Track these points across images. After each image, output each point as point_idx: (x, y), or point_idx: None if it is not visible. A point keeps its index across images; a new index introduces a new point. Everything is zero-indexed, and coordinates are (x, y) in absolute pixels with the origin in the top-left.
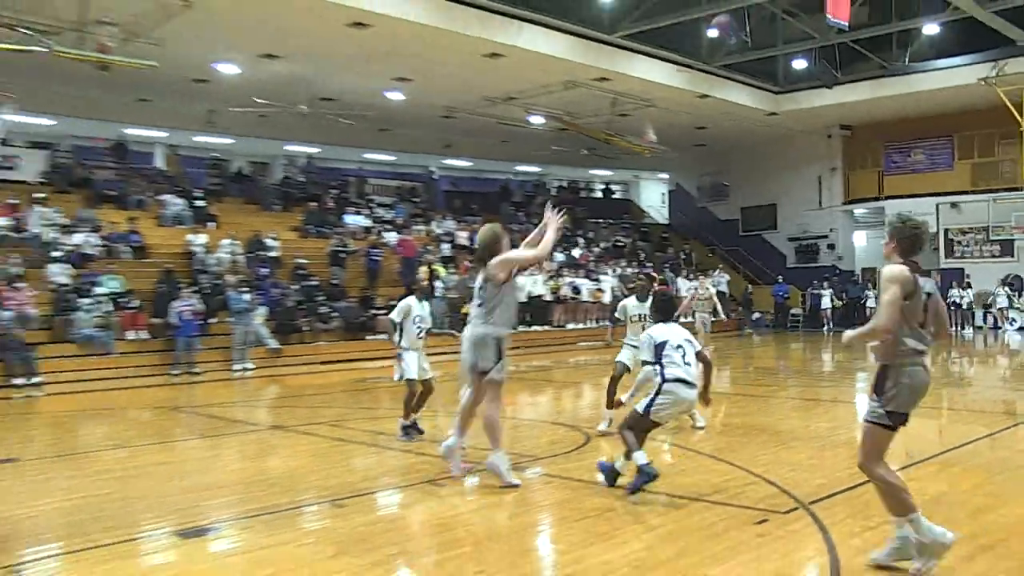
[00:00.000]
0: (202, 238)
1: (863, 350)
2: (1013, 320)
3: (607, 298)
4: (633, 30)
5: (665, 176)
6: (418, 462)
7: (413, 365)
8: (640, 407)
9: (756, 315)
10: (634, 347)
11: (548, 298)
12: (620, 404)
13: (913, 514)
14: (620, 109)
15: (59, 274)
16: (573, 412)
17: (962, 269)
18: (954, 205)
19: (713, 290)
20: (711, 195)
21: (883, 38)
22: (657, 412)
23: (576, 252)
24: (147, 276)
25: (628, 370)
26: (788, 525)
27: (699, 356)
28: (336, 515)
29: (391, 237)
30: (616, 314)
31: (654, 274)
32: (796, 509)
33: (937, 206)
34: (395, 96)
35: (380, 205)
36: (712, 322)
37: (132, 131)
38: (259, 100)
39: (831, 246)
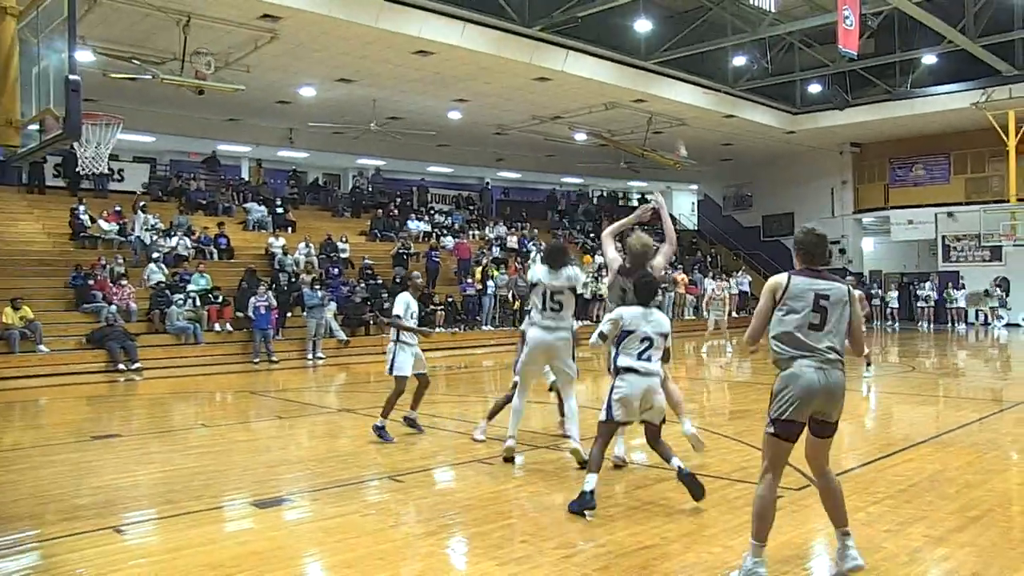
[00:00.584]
0: (281, 241)
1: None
2: (1001, 317)
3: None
4: (666, 57)
5: (694, 187)
6: (468, 443)
7: (407, 362)
8: (601, 415)
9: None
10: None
11: (587, 296)
12: None
13: (759, 545)
14: (655, 127)
15: (156, 272)
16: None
17: (957, 272)
18: (950, 215)
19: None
20: (735, 204)
21: (888, 66)
22: (615, 411)
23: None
24: (233, 275)
25: None
26: (800, 500)
27: (665, 358)
28: (395, 489)
29: (448, 241)
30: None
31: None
32: (807, 487)
33: (936, 215)
34: (454, 115)
35: (439, 212)
36: (732, 318)
37: (222, 147)
38: (333, 121)
39: (842, 251)
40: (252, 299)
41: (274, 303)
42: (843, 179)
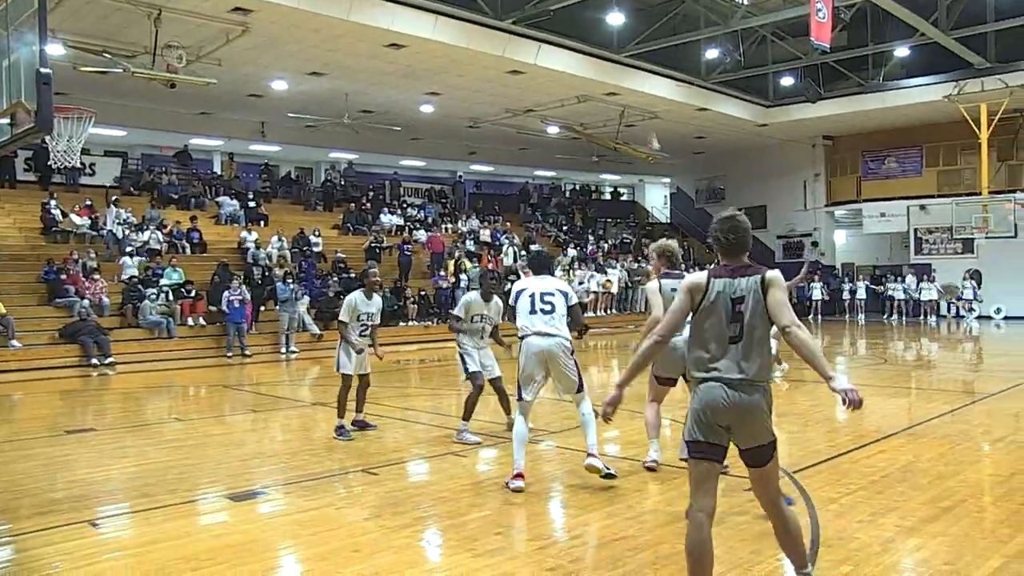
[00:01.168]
0: (253, 235)
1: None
2: (972, 309)
3: (615, 288)
4: (639, 50)
5: (667, 180)
6: (443, 435)
7: (350, 361)
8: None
9: None
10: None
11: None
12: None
13: None
14: (627, 120)
15: (132, 267)
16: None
17: (929, 264)
18: (923, 207)
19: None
20: (708, 197)
21: (860, 59)
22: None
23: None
24: (205, 269)
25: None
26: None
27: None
28: (370, 482)
29: (421, 235)
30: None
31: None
32: (781, 478)
33: (908, 208)
34: (426, 108)
35: (412, 206)
36: None
37: (194, 140)
38: (306, 113)
39: (815, 243)
40: (225, 293)
41: (247, 297)
42: (815, 172)
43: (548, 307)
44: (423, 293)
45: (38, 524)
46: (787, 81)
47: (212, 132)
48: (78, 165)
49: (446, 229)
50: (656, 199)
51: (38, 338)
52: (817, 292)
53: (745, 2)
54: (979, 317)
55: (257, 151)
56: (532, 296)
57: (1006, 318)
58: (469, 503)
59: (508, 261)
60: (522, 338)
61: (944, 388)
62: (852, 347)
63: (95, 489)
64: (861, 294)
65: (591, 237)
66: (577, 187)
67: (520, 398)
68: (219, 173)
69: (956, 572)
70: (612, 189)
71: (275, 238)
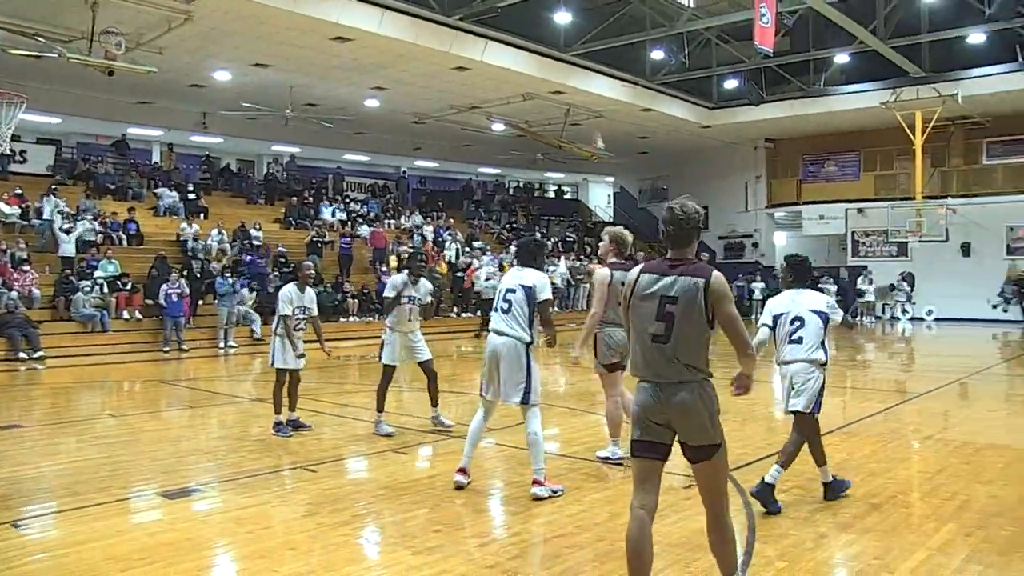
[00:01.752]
0: (193, 228)
1: None
2: (905, 311)
3: (558, 282)
4: (586, 49)
5: (611, 179)
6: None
7: (284, 356)
8: None
9: None
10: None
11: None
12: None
13: None
14: (572, 119)
15: (66, 243)
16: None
17: (865, 266)
18: (860, 211)
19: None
20: (651, 197)
21: (802, 64)
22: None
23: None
24: (142, 261)
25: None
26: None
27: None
28: (308, 479)
29: (364, 230)
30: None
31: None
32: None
33: (846, 211)
34: (371, 103)
35: (355, 200)
36: None
37: (132, 130)
38: (248, 104)
39: (755, 244)
40: (164, 286)
41: (186, 291)
42: (757, 174)
43: (506, 305)
44: (365, 290)
45: None
46: (731, 84)
47: (151, 122)
48: (7, 152)
49: (389, 225)
50: (600, 198)
51: None
52: (758, 292)
53: (691, 5)
54: (912, 319)
55: (198, 142)
56: (499, 291)
57: (937, 319)
58: (408, 500)
59: (451, 257)
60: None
61: (878, 388)
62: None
63: (20, 488)
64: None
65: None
66: (521, 185)
67: (480, 394)
68: (158, 164)
69: (884, 566)
70: (556, 187)
71: (215, 231)
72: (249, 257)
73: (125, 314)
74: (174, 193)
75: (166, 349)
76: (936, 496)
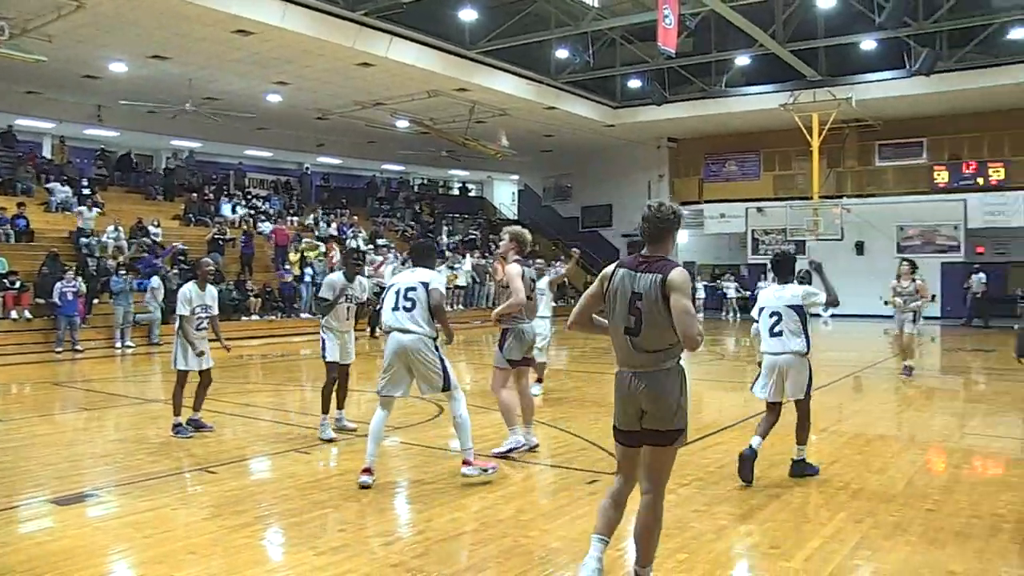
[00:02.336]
0: (87, 224)
1: None
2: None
3: (461, 281)
4: (490, 47)
5: (515, 177)
6: (286, 432)
7: (185, 357)
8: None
9: None
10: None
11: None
12: None
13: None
14: (477, 116)
15: None
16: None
17: (765, 264)
18: (760, 210)
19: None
20: (555, 195)
21: (704, 65)
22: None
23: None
24: (33, 258)
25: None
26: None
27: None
28: (209, 480)
29: (266, 227)
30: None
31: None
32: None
33: (746, 210)
34: (274, 98)
35: (257, 197)
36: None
37: (20, 121)
38: (146, 100)
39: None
40: (58, 284)
41: (83, 289)
42: (660, 173)
43: (409, 303)
44: (268, 288)
45: None
46: (634, 83)
47: (41, 113)
48: None
49: (291, 222)
50: (504, 196)
51: None
52: None
53: (595, 5)
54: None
55: (93, 135)
56: (397, 292)
57: (833, 316)
58: (312, 500)
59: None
60: (386, 332)
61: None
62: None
63: None
64: (701, 293)
65: (440, 232)
66: (426, 182)
67: (378, 391)
68: (49, 157)
69: (781, 554)
70: (461, 185)
71: (111, 227)
72: (147, 255)
73: (13, 314)
74: (67, 188)
75: (59, 350)
76: (831, 485)
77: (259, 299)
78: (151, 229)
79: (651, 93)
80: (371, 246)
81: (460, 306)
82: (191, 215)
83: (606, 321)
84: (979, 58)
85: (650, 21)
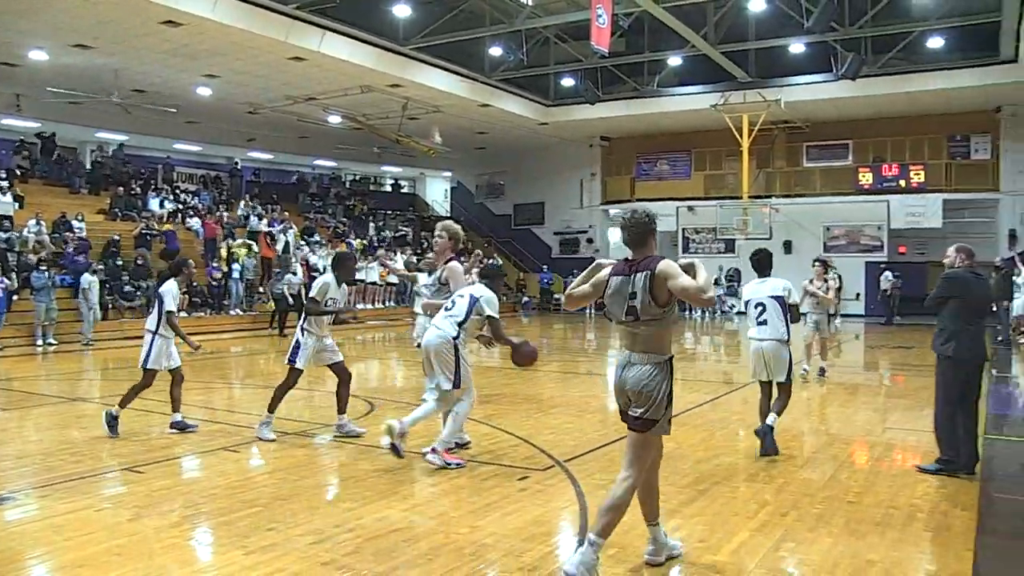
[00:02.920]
0: (7, 218)
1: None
2: (732, 306)
3: (394, 279)
4: (424, 43)
5: (448, 174)
6: (215, 430)
7: (167, 352)
8: None
9: (525, 299)
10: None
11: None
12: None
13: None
14: (410, 113)
15: None
16: (359, 383)
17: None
18: (690, 208)
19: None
20: (488, 192)
21: (637, 65)
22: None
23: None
24: None
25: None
26: (546, 480)
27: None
28: (135, 480)
29: (195, 222)
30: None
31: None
32: (553, 467)
33: (677, 209)
34: (204, 91)
35: (185, 192)
36: None
37: None
38: (70, 88)
39: (590, 240)
40: None
41: (14, 284)
42: (592, 171)
43: (450, 304)
44: (195, 285)
45: None
46: (568, 82)
47: None
48: None
49: (221, 217)
50: (437, 193)
51: None
52: None
53: (530, 3)
54: (738, 313)
55: (11, 126)
56: (454, 299)
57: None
58: (241, 499)
59: (280, 250)
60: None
61: (706, 379)
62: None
63: None
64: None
65: (371, 228)
66: (358, 178)
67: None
68: None
69: (709, 548)
70: (393, 181)
71: (32, 221)
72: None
73: None
74: None
75: None
76: (757, 480)
77: (187, 296)
78: (75, 224)
79: (584, 92)
80: (303, 242)
81: (392, 303)
82: (117, 210)
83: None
84: (901, 64)
85: (584, 20)
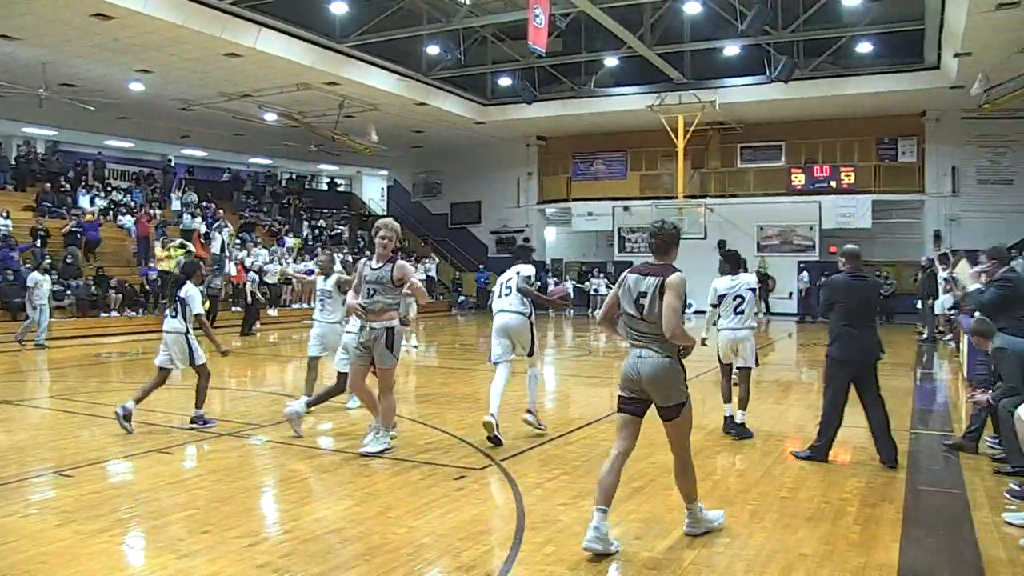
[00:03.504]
0: None
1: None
2: None
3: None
4: (361, 41)
5: (384, 172)
6: (147, 432)
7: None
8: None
9: (462, 298)
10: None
11: (272, 282)
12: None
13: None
14: (347, 111)
15: None
16: (295, 383)
17: (631, 262)
18: (626, 208)
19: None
20: (425, 191)
21: (574, 65)
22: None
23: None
24: None
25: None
26: (483, 479)
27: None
28: (63, 485)
29: (127, 220)
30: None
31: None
32: (490, 466)
33: (613, 208)
34: (136, 86)
35: (117, 189)
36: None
37: None
38: None
39: (526, 239)
40: None
41: None
42: (529, 171)
43: (507, 291)
44: (127, 283)
45: None
46: (505, 81)
47: None
48: None
49: (154, 215)
50: (373, 191)
51: None
52: None
53: (467, 2)
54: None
55: None
56: (500, 283)
57: (696, 312)
58: (173, 502)
59: (216, 249)
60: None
61: None
62: (558, 340)
63: None
64: (569, 289)
65: (306, 227)
66: (294, 176)
67: (494, 360)
68: None
69: (644, 545)
70: (329, 180)
71: None
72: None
73: None
74: None
75: None
76: None
77: (120, 295)
78: (0, 221)
79: (521, 91)
80: (238, 240)
81: None
82: (45, 206)
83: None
84: (832, 68)
85: (521, 20)
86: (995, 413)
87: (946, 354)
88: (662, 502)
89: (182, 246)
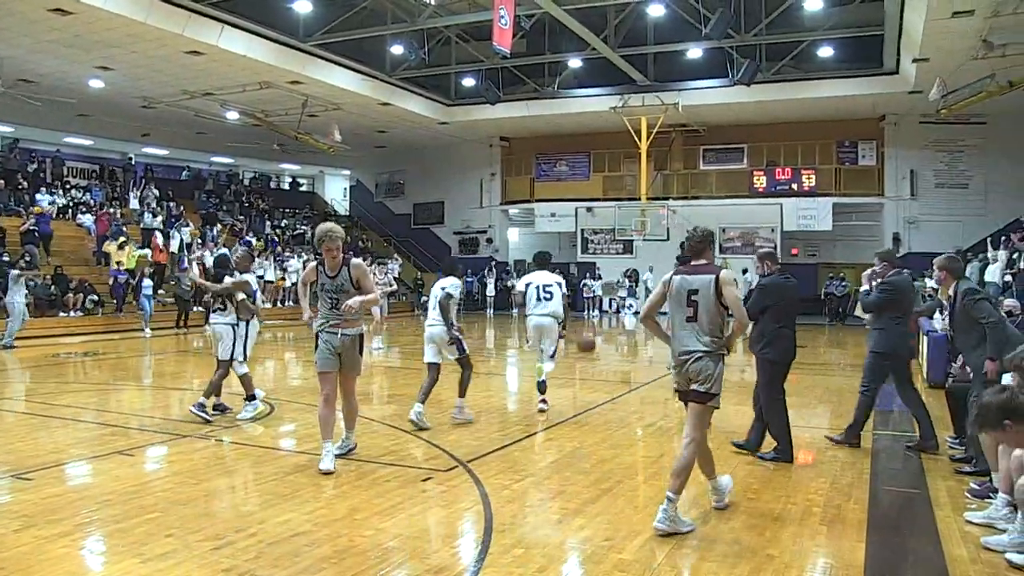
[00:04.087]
0: None
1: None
2: (631, 306)
3: (289, 282)
4: (325, 40)
5: (347, 172)
6: (108, 434)
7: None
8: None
9: (424, 299)
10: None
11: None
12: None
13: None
14: (310, 110)
15: None
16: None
17: (594, 263)
18: (589, 210)
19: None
20: (388, 191)
21: (538, 67)
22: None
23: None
24: None
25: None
26: (449, 481)
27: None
28: (22, 489)
29: (86, 219)
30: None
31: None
32: (456, 467)
33: (576, 210)
34: (96, 83)
35: (76, 187)
36: (390, 304)
37: None
38: None
39: (489, 240)
40: None
41: None
42: (492, 171)
43: (547, 296)
44: (87, 283)
45: None
46: (469, 82)
47: None
48: None
49: (114, 213)
50: (336, 191)
51: None
52: (491, 287)
53: (432, 2)
54: (635, 313)
55: None
56: (537, 287)
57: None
58: (137, 505)
59: (175, 248)
60: (527, 316)
61: (605, 379)
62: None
63: None
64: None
65: (268, 226)
66: (256, 175)
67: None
68: None
69: (613, 546)
70: (292, 179)
71: None
72: None
73: None
74: None
75: None
76: (659, 479)
77: (81, 295)
78: None
79: (485, 92)
80: (199, 240)
81: (291, 303)
82: (1, 204)
83: (667, 333)
84: (794, 72)
85: (486, 21)
86: (956, 413)
87: None
88: (630, 502)
89: (142, 258)
